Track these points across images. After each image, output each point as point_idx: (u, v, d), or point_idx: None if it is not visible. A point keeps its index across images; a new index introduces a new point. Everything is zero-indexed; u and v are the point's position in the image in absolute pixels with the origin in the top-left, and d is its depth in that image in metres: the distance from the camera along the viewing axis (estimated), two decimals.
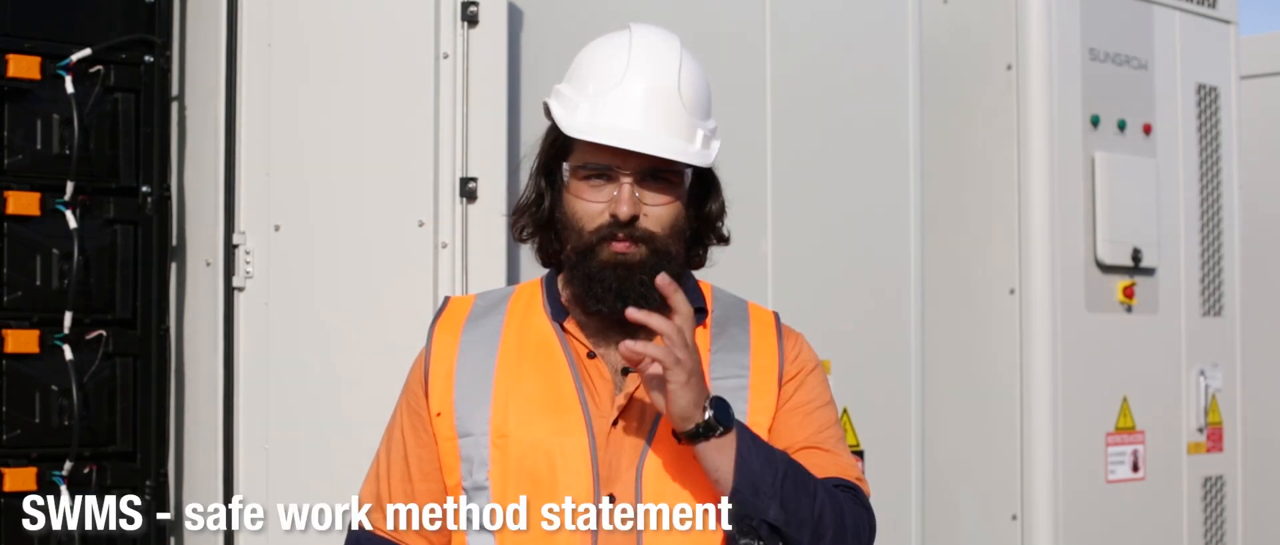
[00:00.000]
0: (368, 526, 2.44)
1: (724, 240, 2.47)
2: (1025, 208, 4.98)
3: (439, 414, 2.37)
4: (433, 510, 2.39)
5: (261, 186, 3.59)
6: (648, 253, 2.30)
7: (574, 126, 2.32)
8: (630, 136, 2.27)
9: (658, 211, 2.31)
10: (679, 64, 2.34)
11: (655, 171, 2.31)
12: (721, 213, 2.45)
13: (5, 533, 3.53)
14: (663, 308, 2.34)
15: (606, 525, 2.27)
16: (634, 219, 2.29)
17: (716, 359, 2.37)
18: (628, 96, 2.30)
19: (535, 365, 2.36)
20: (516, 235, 2.45)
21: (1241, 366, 5.58)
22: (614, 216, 2.29)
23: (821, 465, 2.35)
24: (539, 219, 2.41)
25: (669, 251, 2.32)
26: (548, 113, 2.38)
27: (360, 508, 2.46)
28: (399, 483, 2.41)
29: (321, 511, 3.42)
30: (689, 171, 2.34)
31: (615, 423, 2.31)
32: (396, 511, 2.41)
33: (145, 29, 3.75)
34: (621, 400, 2.32)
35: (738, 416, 2.30)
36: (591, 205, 2.31)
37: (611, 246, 2.30)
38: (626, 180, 2.29)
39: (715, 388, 2.33)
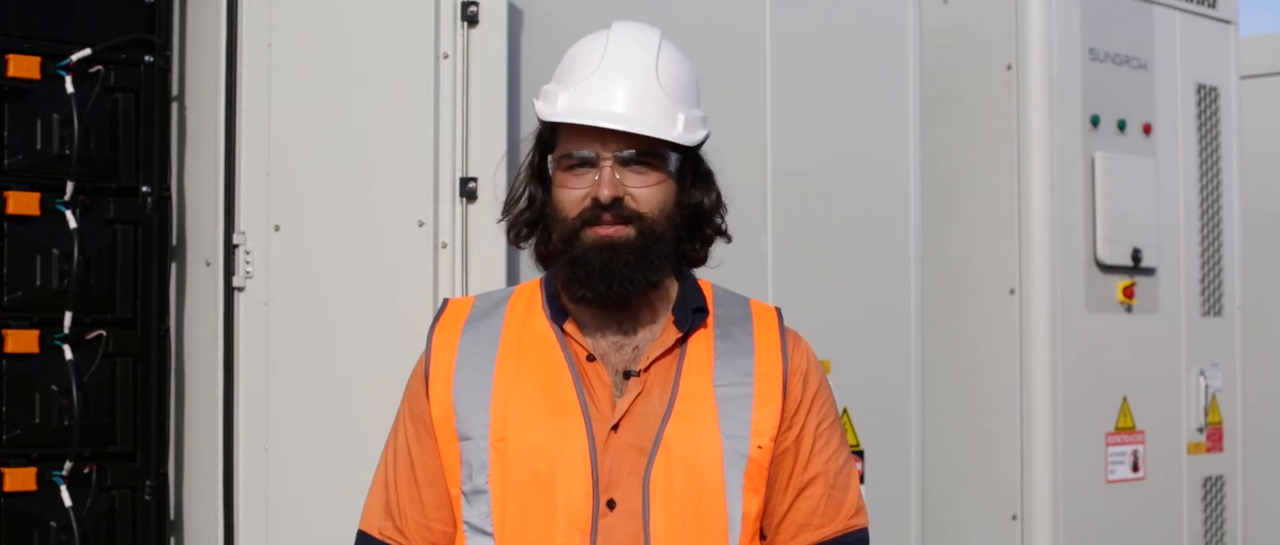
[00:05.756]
0: (374, 533, 2.42)
1: (723, 234, 2.46)
2: (1025, 208, 4.99)
3: (439, 418, 2.36)
4: (439, 514, 2.39)
5: (261, 186, 3.59)
6: (635, 233, 2.29)
7: (553, 113, 2.32)
8: (606, 116, 2.27)
9: (644, 193, 2.30)
10: (657, 52, 2.34)
11: (638, 155, 2.30)
12: (718, 206, 2.44)
13: (5, 533, 3.52)
14: (649, 291, 2.33)
15: (605, 530, 2.27)
16: (618, 201, 2.28)
17: (720, 365, 2.37)
18: (605, 82, 2.30)
19: (535, 368, 2.35)
20: (513, 240, 2.44)
21: (1241, 366, 5.58)
22: (596, 200, 2.28)
23: (826, 511, 2.39)
24: (532, 218, 2.40)
25: (657, 232, 2.31)
26: (535, 112, 2.38)
27: (368, 513, 2.45)
28: (406, 488, 2.40)
29: (322, 513, 3.43)
30: (674, 156, 2.34)
31: (616, 427, 2.31)
32: (403, 517, 2.40)
33: (145, 29, 3.75)
34: (623, 406, 2.31)
35: (740, 425, 2.30)
36: (574, 192, 2.31)
37: (595, 230, 2.29)
38: (607, 163, 2.29)
39: (719, 395, 2.33)
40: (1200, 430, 5.40)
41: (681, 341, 2.38)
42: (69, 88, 3.60)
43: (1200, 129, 5.48)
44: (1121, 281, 5.14)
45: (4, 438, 3.55)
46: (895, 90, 4.50)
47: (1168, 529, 5.30)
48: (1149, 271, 5.23)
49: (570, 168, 2.32)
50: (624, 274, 2.29)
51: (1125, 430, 5.15)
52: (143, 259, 3.73)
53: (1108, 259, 5.08)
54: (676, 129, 2.32)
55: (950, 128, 5.10)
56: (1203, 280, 5.47)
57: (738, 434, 2.32)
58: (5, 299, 3.57)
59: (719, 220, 2.44)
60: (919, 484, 4.51)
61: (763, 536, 2.40)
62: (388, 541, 2.41)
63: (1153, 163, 5.25)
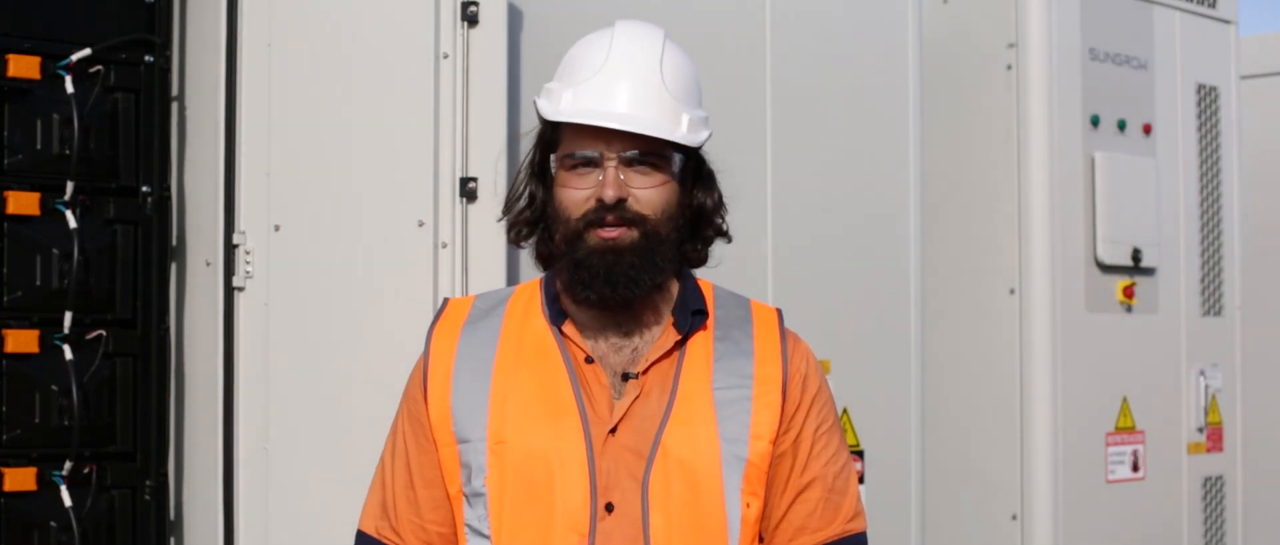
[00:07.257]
0: (371, 532, 2.42)
1: (724, 234, 2.45)
2: (1025, 208, 4.99)
3: (437, 419, 2.36)
4: (435, 515, 2.38)
5: (261, 186, 3.59)
6: (639, 236, 2.28)
7: (557, 113, 2.31)
8: (611, 117, 2.27)
9: (647, 194, 2.29)
10: (660, 51, 2.33)
11: (642, 156, 2.29)
12: (719, 206, 2.43)
13: (5, 533, 3.52)
14: (652, 293, 2.33)
15: (603, 533, 2.26)
16: (622, 202, 2.28)
17: (719, 367, 2.36)
18: (609, 81, 2.29)
19: (533, 369, 2.34)
20: (513, 239, 2.43)
21: (1241, 366, 5.58)
22: (600, 201, 2.27)
23: (823, 515, 2.37)
24: (533, 217, 2.40)
25: (660, 234, 2.30)
26: (536, 111, 2.37)
27: (366, 513, 2.45)
28: (402, 489, 2.40)
29: (322, 513, 3.43)
30: (678, 157, 2.33)
31: (613, 430, 2.30)
32: (398, 517, 2.40)
33: (145, 29, 3.75)
34: (620, 409, 2.31)
35: (739, 428, 2.29)
36: (578, 193, 2.30)
37: (598, 232, 2.28)
38: (611, 164, 2.28)
39: (717, 398, 2.32)
40: (1200, 430, 5.40)
41: (681, 344, 2.37)
42: (69, 88, 3.60)
43: (1200, 129, 5.48)
44: (1121, 281, 5.14)
45: (4, 438, 3.55)
46: (895, 90, 4.50)
47: (1168, 529, 5.30)
48: (1149, 271, 5.23)
49: (573, 167, 2.31)
50: (628, 277, 2.28)
51: (1125, 430, 5.15)
52: (143, 259, 3.73)
53: (1108, 259, 5.08)
54: (680, 129, 2.31)
55: (950, 128, 5.10)
56: (1203, 280, 5.47)
57: (736, 437, 2.31)
58: (5, 299, 3.57)
59: (720, 221, 2.43)
60: (919, 484, 4.51)
61: (761, 539, 2.39)
62: (384, 541, 2.41)
63: (1153, 163, 5.25)
